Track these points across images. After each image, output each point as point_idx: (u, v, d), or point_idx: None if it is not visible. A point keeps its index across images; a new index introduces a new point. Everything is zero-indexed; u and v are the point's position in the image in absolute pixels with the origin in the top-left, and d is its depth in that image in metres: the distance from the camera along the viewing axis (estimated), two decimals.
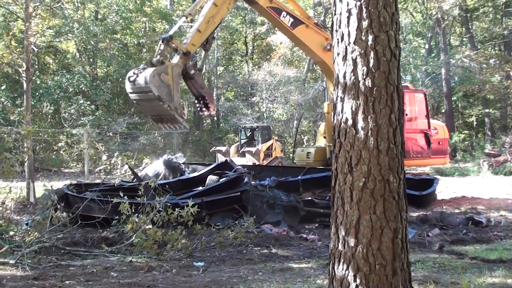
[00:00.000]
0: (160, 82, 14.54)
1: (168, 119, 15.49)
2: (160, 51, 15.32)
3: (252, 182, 14.52)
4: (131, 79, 14.84)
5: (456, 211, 16.19)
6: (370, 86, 5.00)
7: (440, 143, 22.67)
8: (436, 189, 16.77)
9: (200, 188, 15.13)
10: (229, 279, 8.11)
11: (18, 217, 14.65)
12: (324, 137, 22.04)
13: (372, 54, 5.01)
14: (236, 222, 12.38)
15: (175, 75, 15.10)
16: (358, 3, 5.05)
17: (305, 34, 18.59)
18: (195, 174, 16.91)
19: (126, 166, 25.08)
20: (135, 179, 16.91)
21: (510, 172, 31.53)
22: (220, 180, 14.97)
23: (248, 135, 35.63)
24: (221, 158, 28.66)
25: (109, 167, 29.89)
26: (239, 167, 16.64)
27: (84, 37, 41.25)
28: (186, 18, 16.81)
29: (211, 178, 15.53)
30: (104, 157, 30.59)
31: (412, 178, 16.56)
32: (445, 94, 47.57)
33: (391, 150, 5.01)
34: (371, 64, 5.01)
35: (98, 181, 20.89)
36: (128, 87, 15.09)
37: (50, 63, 48.32)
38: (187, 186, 15.59)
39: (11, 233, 11.09)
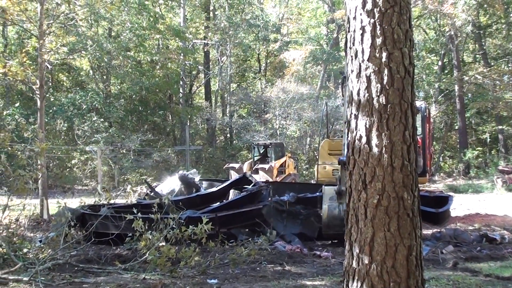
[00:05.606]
0: None
1: None
2: None
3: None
4: None
5: (470, 228, 16.10)
6: (384, 103, 5.00)
7: None
8: (451, 206, 16.72)
9: (218, 203, 15.18)
10: None
11: (32, 234, 14.65)
12: (329, 154, 22.02)
13: (386, 71, 5.01)
14: (250, 239, 12.37)
15: None
16: (372, 21, 5.05)
17: None
18: (215, 189, 16.87)
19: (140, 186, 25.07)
20: (153, 193, 16.90)
21: None
22: (240, 194, 14.98)
23: (261, 152, 35.48)
24: (234, 175, 28.55)
25: (125, 189, 29.89)
26: (259, 181, 16.65)
27: (98, 54, 41.44)
28: None
29: (235, 193, 15.54)
30: (116, 180, 30.62)
31: (427, 196, 16.53)
32: (459, 111, 47.37)
33: (405, 167, 5.00)
34: (385, 81, 5.00)
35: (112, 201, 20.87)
36: None
37: (64, 81, 48.70)
38: (205, 201, 15.61)
39: (25, 250, 11.09)
